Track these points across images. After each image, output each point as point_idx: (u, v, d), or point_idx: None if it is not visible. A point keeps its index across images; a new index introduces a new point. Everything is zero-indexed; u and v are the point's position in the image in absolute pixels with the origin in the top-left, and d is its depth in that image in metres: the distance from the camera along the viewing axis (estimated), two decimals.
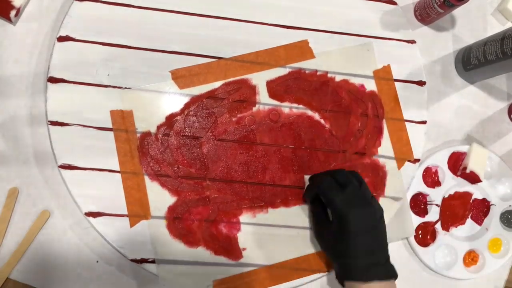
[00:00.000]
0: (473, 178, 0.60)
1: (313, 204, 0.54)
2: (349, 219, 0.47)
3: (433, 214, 0.59)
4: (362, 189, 0.50)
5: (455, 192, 0.60)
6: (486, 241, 0.60)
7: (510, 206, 0.61)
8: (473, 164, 0.59)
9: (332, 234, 0.49)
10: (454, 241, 0.59)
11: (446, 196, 0.60)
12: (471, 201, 0.61)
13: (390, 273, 0.48)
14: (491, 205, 0.61)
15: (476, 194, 0.61)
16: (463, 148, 0.60)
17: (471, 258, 0.59)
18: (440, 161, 0.60)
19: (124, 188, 0.53)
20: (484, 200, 0.61)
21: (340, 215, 0.48)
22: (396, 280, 0.48)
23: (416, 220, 0.59)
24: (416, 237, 0.58)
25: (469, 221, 0.61)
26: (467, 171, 0.59)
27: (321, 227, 0.53)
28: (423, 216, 0.59)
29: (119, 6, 0.55)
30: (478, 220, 0.61)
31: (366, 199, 0.49)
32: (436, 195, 0.59)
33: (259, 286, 0.54)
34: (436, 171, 0.60)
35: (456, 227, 0.60)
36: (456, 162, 0.60)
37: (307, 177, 0.56)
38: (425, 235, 0.59)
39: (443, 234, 0.59)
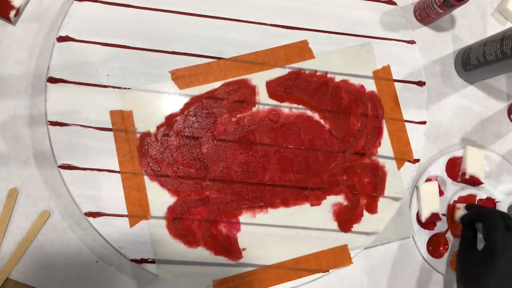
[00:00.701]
0: (474, 181, 0.60)
1: (465, 227, 0.56)
2: (501, 258, 0.48)
3: (442, 224, 0.59)
4: None
5: (459, 197, 0.60)
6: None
7: None
8: (471, 168, 0.59)
9: (475, 263, 0.50)
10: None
11: (451, 203, 0.60)
12: (476, 203, 0.61)
13: None
14: (497, 202, 0.61)
15: (480, 194, 0.61)
16: (458, 153, 0.60)
17: None
18: (438, 170, 0.60)
19: (124, 188, 0.53)
20: (488, 199, 0.61)
21: (493, 250, 0.48)
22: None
23: (426, 234, 0.58)
24: (428, 250, 0.58)
25: None
26: (467, 176, 0.59)
27: (466, 250, 0.54)
28: (432, 229, 0.59)
29: (119, 6, 0.55)
30: None
31: None
32: (441, 205, 0.59)
33: (259, 286, 0.54)
34: (436, 181, 0.60)
35: None
36: (454, 168, 0.60)
37: (462, 205, 0.58)
38: (438, 247, 0.59)
39: (455, 241, 0.59)
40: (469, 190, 0.60)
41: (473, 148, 0.60)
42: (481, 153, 0.60)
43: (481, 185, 0.60)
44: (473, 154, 0.59)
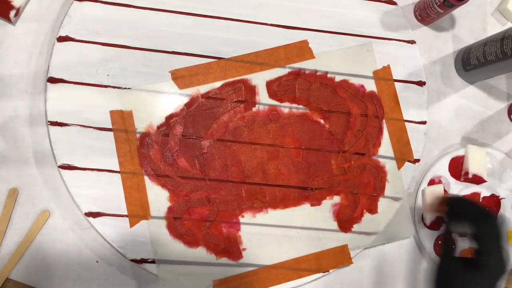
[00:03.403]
0: (477, 180, 0.60)
1: (450, 224, 0.48)
2: (495, 277, 0.41)
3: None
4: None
5: (463, 196, 0.60)
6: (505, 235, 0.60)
7: None
8: (473, 167, 0.59)
9: (459, 277, 0.42)
10: (474, 244, 0.59)
11: None
12: (480, 200, 0.61)
13: None
14: (501, 199, 0.61)
15: (484, 192, 0.61)
16: (460, 152, 0.60)
17: None
18: (441, 170, 0.60)
19: (124, 188, 0.53)
20: (493, 196, 0.61)
21: (486, 266, 0.42)
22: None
23: (433, 234, 0.58)
24: (436, 250, 0.58)
25: None
26: (469, 175, 0.59)
27: (445, 258, 0.45)
28: (438, 229, 0.58)
29: (119, 6, 0.55)
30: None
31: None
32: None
33: (259, 286, 0.54)
34: (440, 181, 0.60)
35: None
36: (457, 167, 0.60)
37: (438, 195, 0.51)
38: None
39: (462, 240, 0.59)
40: (472, 188, 0.60)
41: (474, 146, 0.60)
42: (483, 151, 0.60)
43: (485, 183, 0.60)
44: (474, 152, 0.59)
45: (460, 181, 0.60)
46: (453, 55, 0.64)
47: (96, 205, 0.52)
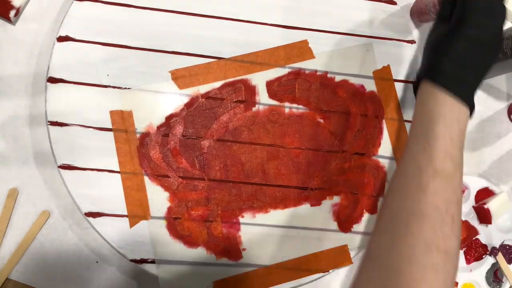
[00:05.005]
0: (485, 216, 0.58)
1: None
2: (471, 21, 0.42)
3: None
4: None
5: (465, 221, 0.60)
6: (462, 282, 0.59)
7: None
8: (493, 206, 0.58)
9: (443, 32, 0.45)
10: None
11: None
12: (473, 238, 0.60)
13: (469, 101, 0.43)
14: (487, 255, 0.60)
15: (481, 236, 0.60)
16: (494, 188, 0.60)
17: None
18: (471, 185, 0.60)
19: (123, 189, 0.53)
20: (485, 246, 0.60)
21: (463, 14, 0.43)
22: None
23: None
24: None
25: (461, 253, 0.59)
26: (485, 206, 0.58)
27: (437, 22, 0.49)
28: None
29: (119, 6, 0.55)
30: (469, 258, 0.59)
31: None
32: None
33: (259, 286, 0.54)
34: (463, 191, 0.60)
35: None
36: (480, 195, 0.60)
37: None
38: None
39: None
40: (475, 223, 0.60)
41: (507, 196, 0.59)
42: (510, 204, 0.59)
43: (489, 227, 0.59)
44: (503, 199, 0.59)
45: (475, 203, 0.60)
46: None
47: (96, 205, 0.52)
